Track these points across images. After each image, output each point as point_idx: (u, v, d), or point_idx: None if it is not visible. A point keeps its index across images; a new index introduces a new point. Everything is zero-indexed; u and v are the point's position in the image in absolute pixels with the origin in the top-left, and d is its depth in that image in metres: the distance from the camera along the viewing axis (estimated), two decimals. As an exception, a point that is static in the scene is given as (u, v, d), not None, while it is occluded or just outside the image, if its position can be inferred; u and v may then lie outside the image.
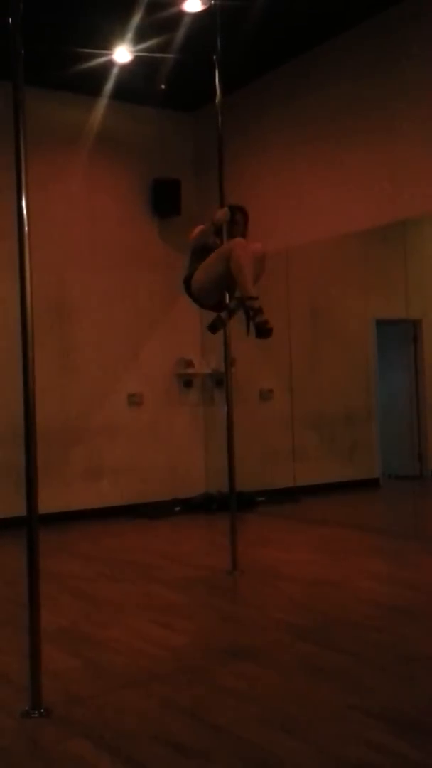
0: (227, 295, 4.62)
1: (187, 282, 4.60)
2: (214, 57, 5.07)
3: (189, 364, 7.97)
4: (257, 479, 7.48)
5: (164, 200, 7.81)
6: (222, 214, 4.62)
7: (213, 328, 4.70)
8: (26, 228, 3.09)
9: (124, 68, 6.59)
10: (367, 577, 4.85)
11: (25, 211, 3.10)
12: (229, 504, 5.20)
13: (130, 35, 6.06)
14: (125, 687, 3.14)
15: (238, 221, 4.63)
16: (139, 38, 6.11)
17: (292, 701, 2.93)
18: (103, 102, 7.31)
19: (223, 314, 4.62)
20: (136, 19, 5.78)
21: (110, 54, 6.33)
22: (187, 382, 8.06)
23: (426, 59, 5.77)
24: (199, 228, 4.69)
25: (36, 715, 2.86)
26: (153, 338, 7.81)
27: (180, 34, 6.02)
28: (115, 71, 6.68)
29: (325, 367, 8.07)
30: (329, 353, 8.12)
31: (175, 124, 8.03)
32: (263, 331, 4.24)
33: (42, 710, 2.87)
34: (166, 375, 7.92)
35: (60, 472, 7.09)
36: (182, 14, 5.68)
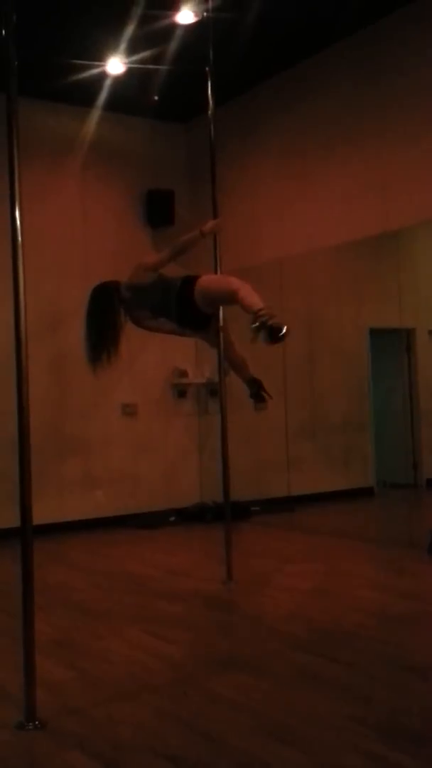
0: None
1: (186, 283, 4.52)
2: (207, 68, 5.09)
3: (183, 373, 7.97)
4: (252, 489, 7.47)
5: (158, 211, 7.83)
6: (212, 224, 4.65)
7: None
8: (20, 239, 3.09)
9: (118, 79, 6.61)
10: (362, 586, 4.85)
11: (18, 222, 3.10)
12: (223, 514, 5.19)
13: (123, 47, 6.08)
14: (120, 698, 3.12)
15: None
16: (132, 50, 6.13)
17: (288, 711, 2.92)
18: (96, 113, 7.33)
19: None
20: (129, 30, 5.80)
21: (103, 65, 6.35)
22: (182, 392, 8.05)
23: (416, 72, 5.80)
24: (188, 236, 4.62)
25: (31, 727, 2.84)
26: (147, 348, 7.79)
27: (173, 46, 6.05)
28: (108, 82, 6.70)
29: (320, 376, 8.09)
30: (323, 362, 8.13)
31: (168, 135, 8.06)
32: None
33: (36, 722, 2.85)
34: (160, 385, 7.92)
35: (54, 482, 7.07)
36: (175, 26, 5.70)
